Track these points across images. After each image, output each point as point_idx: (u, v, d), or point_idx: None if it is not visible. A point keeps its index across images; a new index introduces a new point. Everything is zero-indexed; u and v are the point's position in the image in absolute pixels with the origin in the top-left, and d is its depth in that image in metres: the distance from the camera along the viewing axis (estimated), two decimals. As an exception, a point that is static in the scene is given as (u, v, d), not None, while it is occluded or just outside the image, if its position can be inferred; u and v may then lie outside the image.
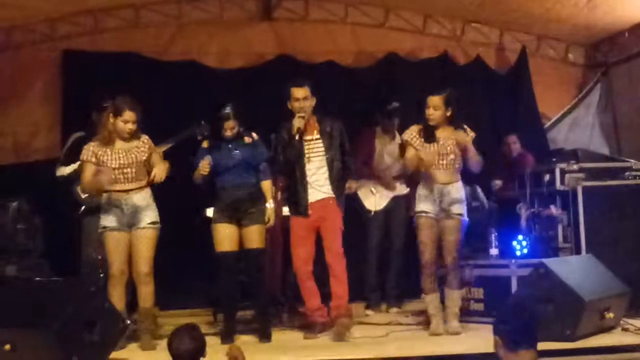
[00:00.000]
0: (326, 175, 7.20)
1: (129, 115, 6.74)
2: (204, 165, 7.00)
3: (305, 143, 7.19)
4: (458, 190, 7.10)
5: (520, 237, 7.97)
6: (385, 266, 8.85)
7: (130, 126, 6.76)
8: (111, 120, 6.75)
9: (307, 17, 10.12)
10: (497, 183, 9.25)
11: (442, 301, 7.21)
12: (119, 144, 6.79)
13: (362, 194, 8.67)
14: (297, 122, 7.11)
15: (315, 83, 7.25)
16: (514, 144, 9.57)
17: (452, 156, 7.06)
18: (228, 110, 7.07)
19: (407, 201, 8.65)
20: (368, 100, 9.39)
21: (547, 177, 8.09)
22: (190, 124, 7.68)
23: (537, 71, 10.52)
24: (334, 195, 7.20)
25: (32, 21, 9.18)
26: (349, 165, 7.37)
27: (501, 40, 10.68)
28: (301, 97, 7.12)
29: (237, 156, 7.08)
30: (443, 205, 7.04)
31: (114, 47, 9.43)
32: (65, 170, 7.72)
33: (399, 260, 8.84)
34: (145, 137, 6.90)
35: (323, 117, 7.29)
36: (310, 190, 7.17)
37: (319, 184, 7.18)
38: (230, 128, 7.08)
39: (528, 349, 4.45)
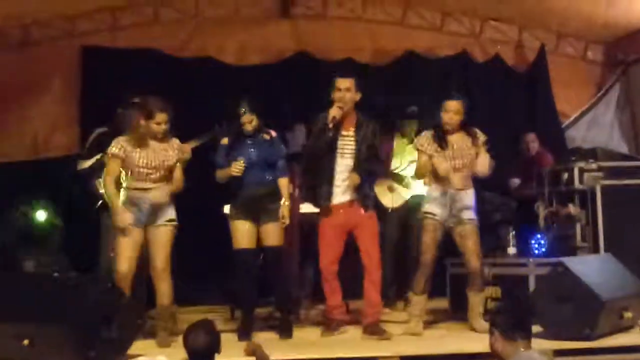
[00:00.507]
0: (348, 174, 7.02)
1: (161, 117, 6.72)
2: (239, 167, 6.99)
3: (340, 138, 7.03)
4: (470, 196, 7.09)
5: (538, 235, 7.94)
6: (404, 264, 8.82)
7: (164, 127, 6.74)
8: (143, 123, 6.73)
9: (325, 14, 10.12)
10: (515, 181, 9.22)
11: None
12: (150, 144, 6.76)
13: (379, 191, 8.65)
14: (334, 111, 6.93)
15: (333, 80, 7.18)
16: (533, 143, 9.53)
17: (465, 161, 7.04)
18: (243, 105, 7.06)
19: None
20: (386, 98, 9.38)
21: (565, 175, 8.07)
22: (211, 126, 7.67)
23: (556, 69, 10.49)
24: (357, 197, 7.03)
25: (51, 17, 9.21)
26: (374, 169, 7.28)
27: (520, 38, 10.65)
28: (343, 87, 6.98)
29: (256, 154, 7.06)
30: (453, 211, 7.02)
31: (132, 43, 9.47)
32: (86, 164, 7.71)
33: (414, 261, 8.81)
34: (176, 142, 6.88)
35: (363, 117, 7.14)
36: (336, 189, 7.02)
37: (344, 183, 7.00)
38: (248, 122, 7.06)
39: (524, 339, 4.48)
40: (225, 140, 7.19)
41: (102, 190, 7.40)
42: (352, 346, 6.58)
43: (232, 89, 8.89)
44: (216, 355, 4.88)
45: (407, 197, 8.66)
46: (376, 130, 7.17)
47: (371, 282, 7.03)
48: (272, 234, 7.08)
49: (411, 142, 8.73)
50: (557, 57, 10.66)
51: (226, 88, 9.13)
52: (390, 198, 8.63)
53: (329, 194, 7.02)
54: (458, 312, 7.54)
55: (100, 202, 7.52)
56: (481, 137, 7.12)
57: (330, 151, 6.99)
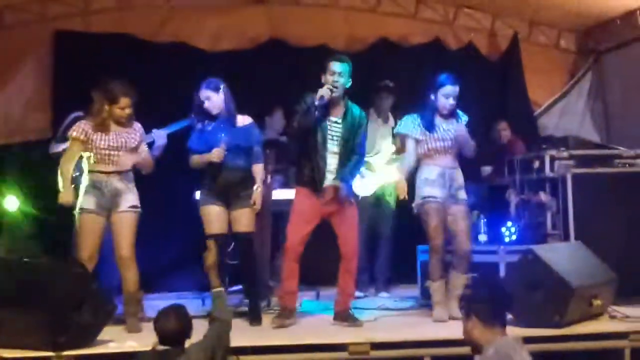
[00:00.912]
0: (337, 160, 6.93)
1: (124, 101, 6.71)
2: (219, 154, 6.97)
3: (329, 123, 6.90)
4: (461, 176, 7.17)
5: (509, 223, 8.00)
6: (374, 252, 8.86)
7: (127, 111, 6.74)
8: (106, 107, 6.70)
9: (299, 1, 10.10)
10: (487, 169, 9.26)
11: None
12: (112, 127, 6.74)
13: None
14: (323, 91, 6.76)
15: (307, 67, 7.16)
16: (504, 131, 9.59)
17: (453, 141, 7.08)
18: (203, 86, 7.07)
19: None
20: (360, 85, 9.38)
21: (536, 163, 8.10)
22: (186, 112, 7.64)
23: (529, 57, 10.54)
24: (341, 184, 6.89)
25: (24, 1, 9.14)
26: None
27: (493, 26, 10.68)
28: (338, 71, 6.87)
29: (228, 139, 7.04)
30: (452, 190, 7.06)
31: (105, 28, 9.41)
32: (59, 147, 7.65)
33: (388, 246, 8.86)
34: (137, 125, 6.88)
35: (352, 105, 7.04)
36: (327, 172, 6.89)
37: (330, 168, 6.90)
38: (214, 107, 7.06)
39: (502, 326, 4.50)
40: (200, 125, 7.17)
41: (75, 174, 7.37)
42: (323, 333, 6.60)
43: (206, 75, 8.88)
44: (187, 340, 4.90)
45: (378, 184, 8.70)
46: (364, 121, 7.09)
47: (347, 271, 6.97)
48: (244, 220, 7.06)
49: (386, 120, 8.79)
50: (530, 45, 10.71)
51: (200, 74, 9.08)
52: (361, 186, 8.65)
53: (321, 176, 6.85)
54: (428, 299, 7.57)
55: (73, 186, 7.49)
56: (463, 117, 7.17)
57: (321, 133, 6.86)
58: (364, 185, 8.65)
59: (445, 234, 7.07)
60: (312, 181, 6.89)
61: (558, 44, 10.91)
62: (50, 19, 9.35)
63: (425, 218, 7.05)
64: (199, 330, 5.23)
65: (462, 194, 7.12)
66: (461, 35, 10.54)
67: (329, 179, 6.89)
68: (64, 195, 6.67)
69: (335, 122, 6.92)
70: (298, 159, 7.05)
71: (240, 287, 7.69)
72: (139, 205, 6.79)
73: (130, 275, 6.74)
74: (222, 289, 5.24)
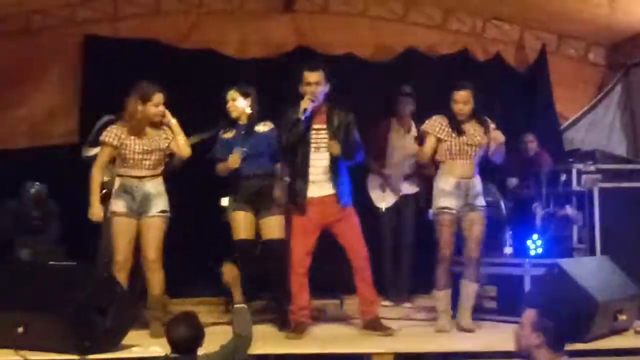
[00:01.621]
0: (325, 169, 6.89)
1: (158, 97, 6.75)
2: (235, 159, 6.96)
3: (313, 132, 6.88)
4: (479, 183, 7.14)
5: (535, 236, 7.95)
6: (397, 262, 8.83)
7: (161, 108, 6.77)
8: (140, 108, 6.72)
9: (327, 9, 10.09)
10: (513, 181, 9.22)
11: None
12: (146, 131, 6.77)
13: (371, 190, 8.69)
14: (304, 103, 6.78)
15: (334, 75, 7.13)
16: (531, 143, 9.53)
17: (477, 150, 7.05)
18: (230, 92, 7.15)
19: (417, 198, 8.68)
20: (386, 94, 9.39)
21: (563, 177, 8.07)
22: (211, 119, 7.66)
23: (557, 70, 10.46)
24: (334, 192, 6.88)
25: (52, 5, 9.18)
26: (351, 152, 6.99)
27: (521, 38, 10.61)
28: (313, 81, 6.84)
29: (251, 145, 7.04)
30: (468, 199, 7.04)
31: (133, 34, 9.43)
32: (92, 151, 7.66)
33: (410, 256, 8.82)
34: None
35: (335, 107, 7.00)
36: (311, 185, 6.86)
37: (321, 178, 6.88)
38: (238, 110, 7.05)
39: (565, 352, 4.45)
40: (229, 134, 7.18)
41: (106, 179, 7.38)
42: (346, 342, 6.59)
43: (232, 82, 8.91)
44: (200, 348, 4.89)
45: (399, 196, 8.68)
46: (350, 119, 7.00)
47: (362, 280, 6.94)
48: (273, 226, 7.10)
49: (408, 130, 8.76)
50: (558, 58, 10.63)
51: (226, 80, 9.12)
52: (382, 197, 8.63)
53: (303, 190, 6.85)
54: (453, 310, 7.54)
55: (105, 190, 7.51)
56: (492, 125, 7.16)
57: (303, 146, 6.86)
58: (385, 197, 8.64)
59: (454, 245, 7.09)
60: (295, 198, 6.90)
61: (586, 57, 10.83)
62: (79, 23, 9.36)
63: (438, 228, 7.08)
64: (223, 336, 5.24)
65: (480, 201, 7.10)
66: (489, 47, 10.48)
67: (315, 191, 6.87)
68: (93, 212, 6.72)
69: (320, 130, 6.89)
70: (289, 175, 7.06)
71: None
72: (168, 210, 6.81)
73: (156, 279, 6.76)
74: (244, 305, 5.21)
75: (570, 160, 8.14)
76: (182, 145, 6.83)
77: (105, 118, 7.71)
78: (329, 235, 7.03)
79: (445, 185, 7.09)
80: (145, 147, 6.72)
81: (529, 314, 4.66)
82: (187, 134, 7.10)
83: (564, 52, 10.74)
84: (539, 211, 8.21)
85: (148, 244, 6.72)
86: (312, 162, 6.88)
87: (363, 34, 10.14)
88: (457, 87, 7.13)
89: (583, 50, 10.81)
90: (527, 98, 10.39)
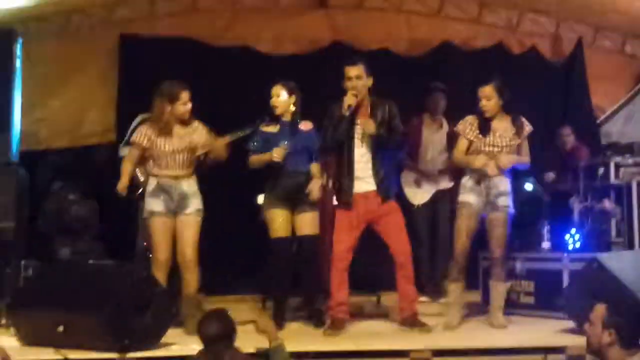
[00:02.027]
0: (368, 164, 6.87)
1: (185, 95, 6.77)
2: (281, 153, 6.99)
3: (357, 126, 6.87)
4: (505, 182, 7.06)
5: (573, 230, 7.91)
6: (433, 258, 8.81)
7: (189, 106, 6.79)
8: (168, 108, 6.75)
9: (362, 4, 10.09)
10: (550, 176, 9.18)
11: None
12: (175, 129, 6.80)
13: (405, 187, 8.67)
14: (348, 99, 6.75)
15: (370, 70, 7.09)
16: (568, 137, 9.47)
17: (506, 149, 7.01)
18: (275, 89, 7.14)
19: (452, 193, 8.66)
20: (422, 88, 9.38)
21: (601, 170, 8.05)
22: (249, 116, 7.68)
23: (593, 63, 10.38)
24: (377, 188, 6.85)
25: (91, 5, 9.25)
26: (392, 140, 6.95)
27: (557, 31, 10.56)
28: (353, 75, 6.82)
29: (293, 142, 7.07)
30: (490, 197, 7.00)
31: (169, 32, 9.47)
32: (125, 151, 7.71)
33: (447, 252, 8.79)
34: (198, 123, 6.92)
35: (377, 100, 6.96)
36: (356, 181, 6.85)
37: (364, 173, 6.86)
38: (280, 106, 7.10)
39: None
40: (267, 127, 7.20)
41: (142, 178, 7.45)
42: (383, 339, 6.60)
43: (268, 78, 8.94)
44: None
45: (433, 191, 8.66)
46: (393, 108, 6.97)
47: (404, 277, 6.92)
48: (308, 223, 7.11)
49: (440, 125, 8.75)
50: (595, 50, 10.56)
51: (262, 77, 9.16)
52: (417, 194, 8.63)
53: (350, 186, 6.84)
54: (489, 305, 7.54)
55: (141, 189, 7.57)
56: (527, 127, 7.10)
57: (348, 141, 6.84)
58: (420, 193, 8.63)
59: (471, 239, 7.07)
60: (341, 195, 6.90)
61: (623, 50, 10.74)
62: (116, 22, 9.42)
63: (456, 220, 7.11)
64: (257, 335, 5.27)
65: (503, 201, 7.02)
66: (524, 40, 10.42)
67: (361, 186, 6.85)
68: (120, 185, 6.82)
69: (364, 123, 6.85)
70: (333, 171, 7.08)
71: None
72: (203, 209, 6.85)
73: (192, 278, 6.79)
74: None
75: (608, 153, 8.11)
76: (220, 149, 6.88)
77: (140, 118, 7.77)
78: (367, 231, 7.02)
79: (466, 181, 7.10)
80: (176, 146, 6.75)
81: (599, 310, 4.58)
82: (224, 131, 7.14)
83: (600, 44, 10.67)
84: (576, 205, 8.18)
85: (185, 243, 6.76)
86: (356, 158, 6.87)
87: (398, 29, 10.13)
88: (481, 83, 7.11)
89: (619, 42, 10.73)
90: (563, 91, 10.33)
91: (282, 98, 7.17)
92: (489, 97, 7.01)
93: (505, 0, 10.23)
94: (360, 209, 6.85)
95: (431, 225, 8.78)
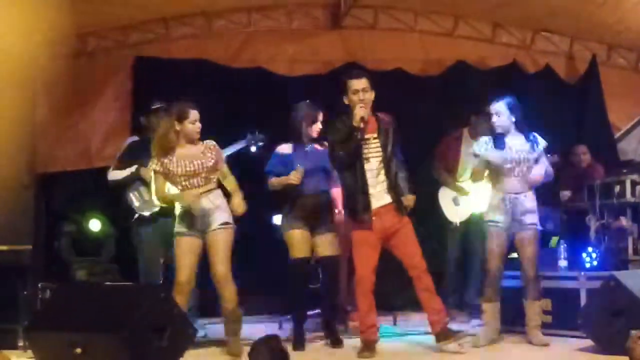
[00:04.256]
0: (384, 178, 6.68)
1: (194, 114, 6.70)
2: (298, 176, 6.97)
3: (363, 142, 6.63)
4: (530, 199, 7.04)
5: (589, 248, 7.88)
6: (466, 277, 8.75)
7: (199, 125, 6.72)
8: (177, 127, 6.70)
9: (376, 25, 10.13)
10: (566, 194, 9.16)
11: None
12: (184, 150, 6.70)
13: (443, 203, 8.63)
14: (361, 111, 6.49)
15: (384, 90, 7.06)
16: (584, 155, 9.46)
17: (525, 165, 7.01)
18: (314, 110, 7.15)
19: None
20: (435, 108, 9.39)
21: (617, 188, 8.01)
22: (243, 134, 7.72)
23: (608, 81, 10.39)
24: (392, 202, 6.67)
25: (106, 28, 9.31)
26: (404, 174, 6.80)
27: (571, 50, 10.59)
28: (361, 88, 6.61)
29: (313, 163, 7.09)
30: (515, 215, 6.99)
31: (184, 54, 9.54)
32: (116, 175, 7.71)
33: (479, 270, 8.73)
34: (212, 143, 6.81)
35: (379, 114, 6.77)
36: (371, 197, 6.63)
37: (377, 188, 6.66)
38: (317, 130, 7.11)
39: None
40: (283, 148, 7.21)
41: (136, 204, 7.45)
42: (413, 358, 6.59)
43: (283, 99, 8.97)
44: None
45: (472, 210, 8.57)
46: (395, 126, 6.78)
47: (425, 290, 6.69)
48: (329, 243, 7.12)
49: None
50: (609, 68, 10.58)
51: (277, 98, 9.22)
52: (456, 212, 8.58)
53: (367, 204, 6.62)
54: (511, 324, 7.50)
55: (137, 215, 7.55)
56: (541, 142, 7.10)
57: (357, 158, 6.63)
58: (458, 211, 8.59)
59: (503, 258, 7.05)
60: (356, 214, 6.68)
61: (637, 67, 10.77)
62: (131, 45, 9.50)
63: (487, 240, 7.08)
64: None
65: (530, 218, 7.00)
66: (538, 59, 10.46)
67: (376, 202, 6.65)
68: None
69: (370, 139, 6.67)
70: (344, 190, 6.85)
71: (318, 311, 7.68)
72: (231, 221, 6.74)
73: (228, 293, 6.68)
74: None
75: (624, 171, 8.07)
76: (237, 205, 6.82)
77: (129, 140, 7.79)
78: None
79: (492, 199, 7.11)
80: (188, 169, 6.65)
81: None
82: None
83: (614, 62, 10.70)
84: (593, 223, 8.15)
85: (215, 259, 6.65)
86: (367, 174, 6.67)
87: (412, 49, 10.17)
88: (492, 99, 7.16)
89: (633, 60, 10.75)
90: (578, 109, 10.33)
91: (318, 123, 7.18)
92: (499, 112, 7.04)
93: (519, 19, 10.25)
94: (379, 225, 6.66)
95: (464, 242, 8.72)
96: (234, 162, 7.33)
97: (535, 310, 7.06)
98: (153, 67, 9.41)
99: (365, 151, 6.63)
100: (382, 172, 6.67)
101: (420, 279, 6.68)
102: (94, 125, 9.29)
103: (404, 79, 9.92)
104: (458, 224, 8.58)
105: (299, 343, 6.97)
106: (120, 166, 7.71)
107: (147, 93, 9.18)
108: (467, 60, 10.21)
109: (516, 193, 7.00)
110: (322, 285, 7.31)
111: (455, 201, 8.62)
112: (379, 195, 6.67)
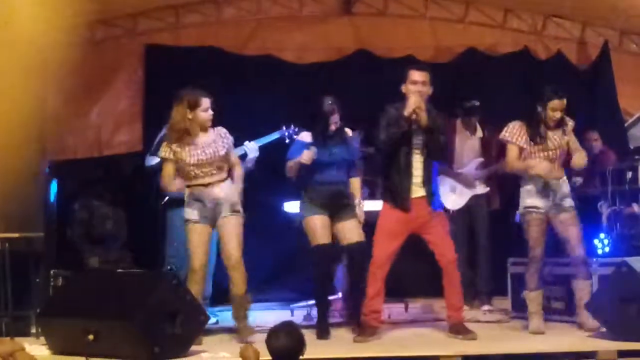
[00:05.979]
0: (421, 173, 6.81)
1: (206, 102, 6.75)
2: (309, 155, 6.94)
3: (414, 133, 6.76)
4: (567, 184, 7.11)
5: (601, 235, 7.87)
6: (473, 264, 8.75)
7: (211, 112, 6.76)
8: (189, 115, 6.73)
9: (386, 11, 10.09)
10: (578, 180, 9.12)
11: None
12: (196, 139, 6.75)
13: (441, 192, 8.62)
14: (416, 101, 6.64)
15: (394, 77, 7.08)
16: (595, 141, 9.41)
17: (559, 151, 7.03)
18: (331, 102, 7.09)
19: (488, 198, 8.65)
20: (448, 95, 9.36)
21: (629, 174, 8.00)
22: (278, 126, 7.71)
23: (619, 67, 10.31)
24: (427, 195, 6.82)
25: (115, 16, 9.30)
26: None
27: (583, 35, 10.51)
28: (420, 80, 6.74)
29: (336, 153, 7.06)
30: (556, 200, 6.99)
31: (193, 42, 9.52)
32: (153, 161, 7.79)
33: (487, 257, 8.73)
34: (223, 131, 6.87)
35: (431, 110, 6.84)
36: (413, 185, 6.78)
37: (417, 180, 6.79)
38: (334, 122, 7.08)
39: None
40: (304, 136, 7.20)
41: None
42: (413, 345, 6.58)
43: (293, 87, 8.96)
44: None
45: (469, 197, 8.62)
46: (442, 122, 6.98)
47: (451, 285, 6.85)
48: (354, 229, 7.07)
49: (474, 131, 8.73)
50: (621, 54, 10.50)
51: (287, 85, 9.21)
52: (453, 200, 8.59)
53: (407, 189, 6.75)
54: (519, 312, 7.50)
55: (167, 198, 7.59)
56: (569, 122, 7.11)
57: (405, 145, 6.74)
58: (455, 198, 8.60)
59: (545, 245, 7.03)
60: (398, 197, 6.79)
61: (649, 53, 10.72)
62: (140, 33, 9.47)
63: (527, 228, 7.06)
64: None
65: (568, 202, 7.03)
66: (550, 45, 10.39)
67: (416, 191, 6.79)
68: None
69: (417, 130, 6.77)
70: (384, 173, 6.99)
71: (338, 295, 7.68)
72: (241, 210, 6.80)
73: (239, 277, 6.71)
74: None
75: (636, 157, 8.05)
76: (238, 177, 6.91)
77: (165, 129, 7.79)
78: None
79: (529, 185, 7.06)
80: (201, 158, 6.70)
81: None
82: (251, 139, 7.14)
83: (626, 47, 10.62)
84: (605, 210, 8.14)
85: (229, 244, 6.69)
86: (414, 164, 6.81)
87: (423, 35, 10.12)
88: (554, 95, 7.04)
89: (646, 46, 10.68)
90: (590, 96, 10.27)
91: (336, 114, 7.15)
92: (563, 109, 7.02)
93: (530, 5, 10.20)
94: (412, 214, 6.77)
95: (469, 230, 8.72)
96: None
97: (585, 290, 7.02)
98: (164, 55, 9.38)
99: (416, 142, 6.76)
100: (421, 166, 6.78)
101: (448, 273, 6.84)
102: (104, 113, 9.26)
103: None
104: (452, 212, 8.56)
105: (324, 331, 6.93)
106: (156, 152, 7.72)
107: (158, 81, 9.21)
108: (478, 47, 10.15)
109: (556, 178, 7.01)
110: (348, 271, 7.28)
111: (452, 189, 8.62)
112: (418, 186, 6.80)
